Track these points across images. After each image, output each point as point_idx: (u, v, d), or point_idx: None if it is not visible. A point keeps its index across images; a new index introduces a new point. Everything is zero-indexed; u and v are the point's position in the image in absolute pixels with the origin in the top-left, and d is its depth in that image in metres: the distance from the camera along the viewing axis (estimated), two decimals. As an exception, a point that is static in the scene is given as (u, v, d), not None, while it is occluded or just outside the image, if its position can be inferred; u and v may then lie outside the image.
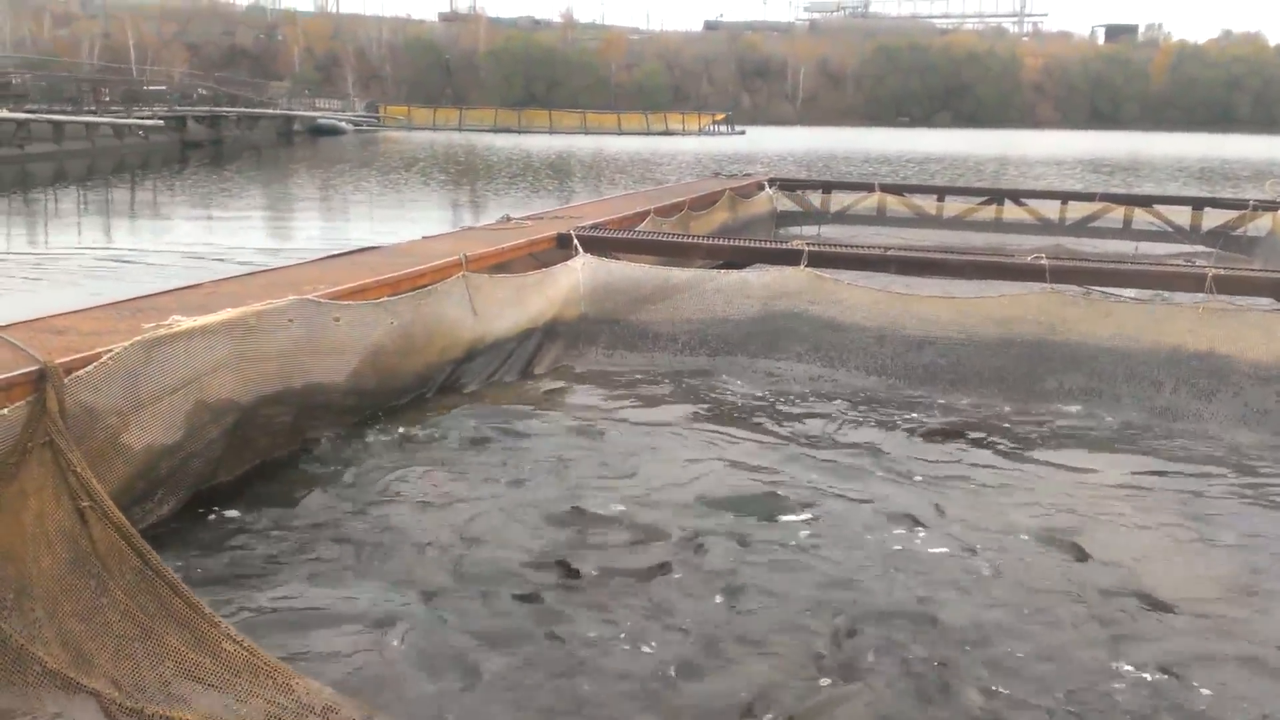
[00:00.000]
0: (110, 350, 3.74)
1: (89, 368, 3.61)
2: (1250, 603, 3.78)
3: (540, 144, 45.63)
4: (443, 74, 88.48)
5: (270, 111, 48.67)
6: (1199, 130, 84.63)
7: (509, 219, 8.29)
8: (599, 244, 7.35)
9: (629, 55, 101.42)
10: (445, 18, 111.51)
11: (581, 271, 7.07)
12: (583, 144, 46.07)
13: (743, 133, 65.47)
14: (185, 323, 4.14)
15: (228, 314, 4.33)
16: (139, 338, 3.86)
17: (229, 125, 41.75)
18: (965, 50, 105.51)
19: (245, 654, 2.38)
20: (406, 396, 5.66)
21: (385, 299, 5.31)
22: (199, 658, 2.54)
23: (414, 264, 5.94)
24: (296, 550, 3.95)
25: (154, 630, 2.66)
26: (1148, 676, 3.23)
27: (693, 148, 40.96)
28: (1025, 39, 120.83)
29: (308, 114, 53.76)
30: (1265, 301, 6.70)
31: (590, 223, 8.02)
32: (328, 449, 4.95)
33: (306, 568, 3.80)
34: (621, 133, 62.01)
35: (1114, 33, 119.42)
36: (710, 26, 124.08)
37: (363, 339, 5.10)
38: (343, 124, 55.05)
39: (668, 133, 63.42)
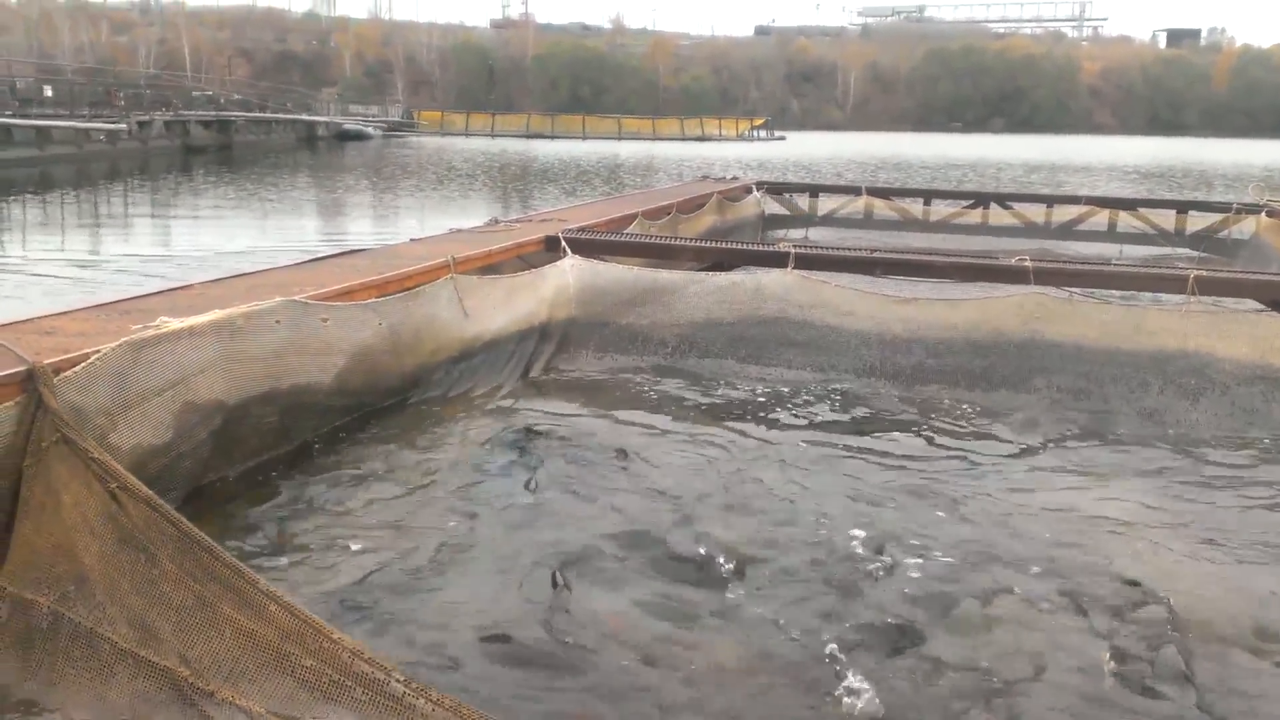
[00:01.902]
0: (98, 351, 3.74)
1: (77, 368, 3.61)
2: (1232, 587, 3.81)
3: (559, 150, 45.32)
4: (488, 80, 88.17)
5: (283, 116, 48.09)
6: (1263, 136, 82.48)
7: (497, 221, 8.31)
8: (587, 246, 7.37)
9: (677, 60, 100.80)
10: (496, 24, 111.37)
11: (570, 273, 7.08)
12: (603, 150, 45.74)
13: (783, 138, 64.97)
14: (173, 324, 4.14)
15: (215, 315, 4.33)
16: (126, 339, 3.86)
17: (240, 130, 41.12)
18: (1021, 54, 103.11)
19: (288, 614, 2.39)
20: (397, 398, 5.66)
21: (373, 300, 5.31)
22: (251, 624, 2.55)
23: (401, 266, 5.94)
24: (275, 551, 3.96)
25: (206, 597, 2.67)
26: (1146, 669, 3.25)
27: (717, 154, 40.47)
28: (1084, 43, 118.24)
29: (328, 119, 53.13)
30: (1248, 303, 6.77)
31: (578, 225, 8.04)
32: (320, 450, 4.96)
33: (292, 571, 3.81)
34: (657, 138, 61.22)
35: (1176, 37, 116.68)
36: (761, 31, 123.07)
37: (350, 340, 5.10)
38: (369, 129, 54.56)
39: (704, 138, 62.46)
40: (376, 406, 5.51)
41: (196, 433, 4.24)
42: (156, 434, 4.01)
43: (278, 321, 4.64)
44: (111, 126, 31.20)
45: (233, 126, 40.44)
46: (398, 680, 2.20)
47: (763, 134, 66.74)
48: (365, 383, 5.36)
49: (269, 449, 4.80)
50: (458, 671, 3.03)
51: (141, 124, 33.45)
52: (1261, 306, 6.67)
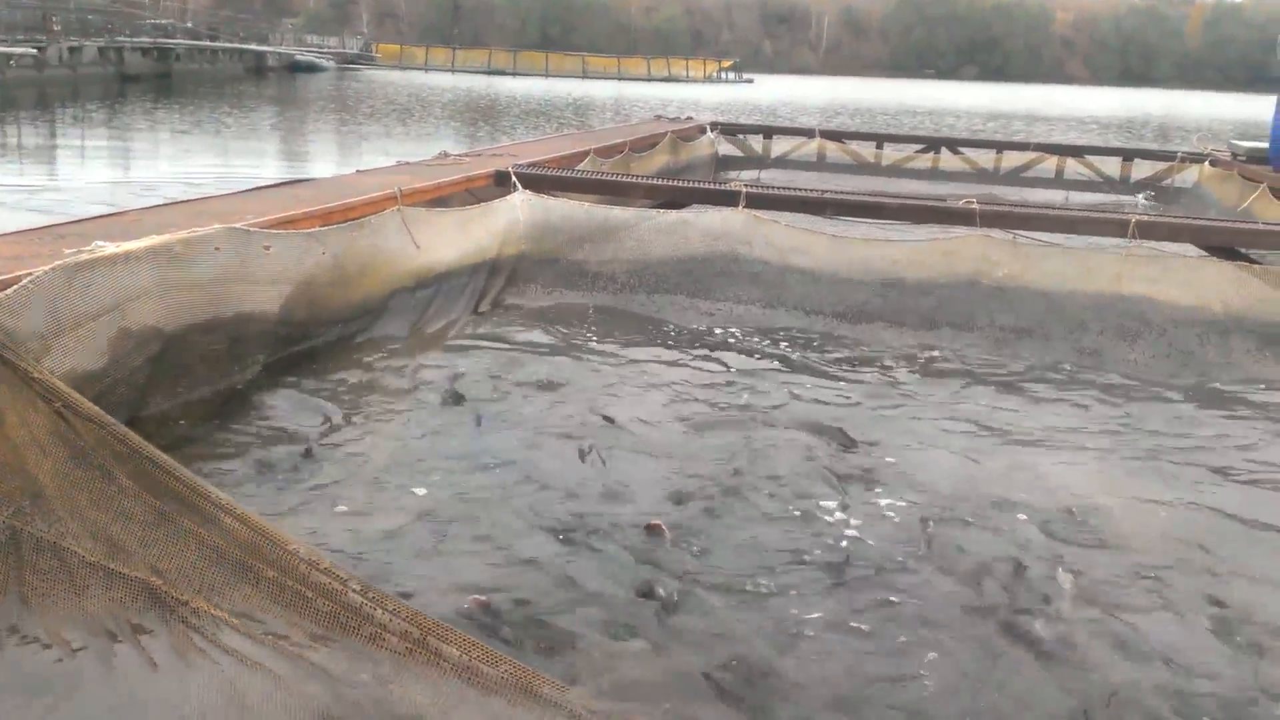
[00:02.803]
0: (31, 274, 3.64)
1: (8, 291, 3.51)
2: (1157, 520, 3.95)
3: (519, 88, 44.37)
4: (453, 15, 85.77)
5: (229, 45, 46.34)
6: (1234, 90, 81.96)
7: (446, 155, 8.18)
8: (538, 182, 7.29)
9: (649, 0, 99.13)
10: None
11: (521, 208, 7.01)
12: (562, 89, 44.85)
13: (750, 81, 64.06)
14: (108, 248, 4.04)
15: (152, 241, 4.23)
16: (60, 262, 3.75)
17: (182, 58, 39.40)
18: (994, 2, 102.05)
19: (244, 526, 2.36)
20: (350, 328, 5.59)
21: (317, 229, 5.22)
22: (212, 537, 2.52)
23: (347, 196, 5.84)
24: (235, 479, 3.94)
25: (166, 512, 2.63)
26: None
27: (675, 97, 39.61)
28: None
29: (279, 49, 51.27)
30: (1187, 248, 6.91)
31: (529, 161, 7.95)
32: (271, 382, 4.91)
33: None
34: (622, 78, 60.05)
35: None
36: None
37: (294, 269, 5.02)
38: (323, 62, 52.83)
39: (670, 79, 61.24)
40: (329, 338, 5.44)
41: (132, 359, 4.16)
42: (91, 360, 3.93)
43: (217, 249, 4.54)
44: (23, 51, 29.09)
45: (173, 55, 38.87)
46: (354, 590, 2.19)
47: (730, 76, 65.82)
48: (312, 313, 5.29)
49: (219, 378, 4.73)
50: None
51: (72, 50, 31.82)
52: (1199, 251, 6.81)
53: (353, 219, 5.57)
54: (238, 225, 4.73)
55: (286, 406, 4.70)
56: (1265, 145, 10.62)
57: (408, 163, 7.81)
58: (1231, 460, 4.68)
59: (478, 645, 2.03)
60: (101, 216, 5.12)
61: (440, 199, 6.67)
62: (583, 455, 4.04)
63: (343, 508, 3.73)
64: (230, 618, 2.42)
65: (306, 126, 22.40)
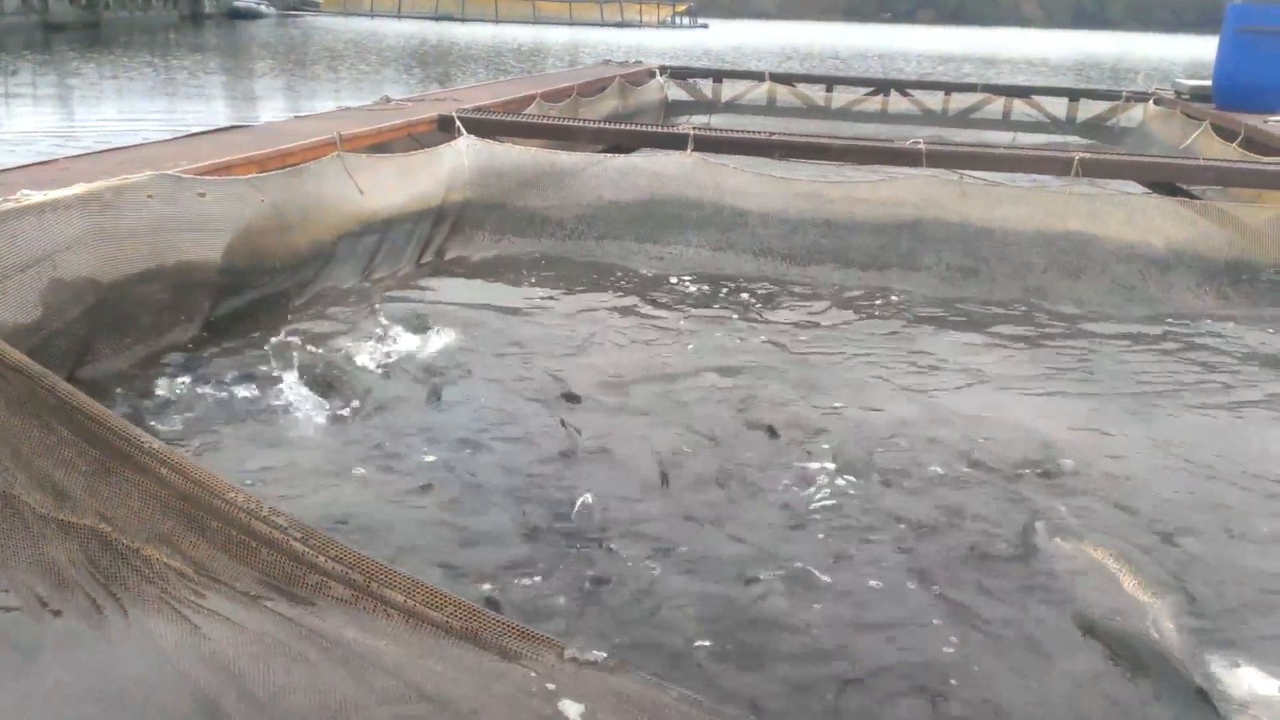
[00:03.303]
0: (-49, 224, 3.51)
1: (-72, 242, 3.39)
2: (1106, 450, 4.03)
3: (464, 34, 43.34)
4: None
5: None
6: (1186, 32, 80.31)
7: (388, 100, 8.00)
8: (483, 126, 7.16)
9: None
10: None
11: (466, 154, 6.89)
12: (510, 35, 43.87)
13: (705, 26, 63.05)
14: (35, 197, 3.92)
15: (80, 189, 4.11)
16: (-17, 211, 3.63)
17: (111, 5, 37.83)
18: None
19: (180, 476, 2.29)
20: (297, 275, 5.48)
21: (254, 176, 5.09)
22: (153, 486, 2.45)
23: (284, 142, 5.69)
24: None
25: (107, 464, 2.56)
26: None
27: (620, 42, 38.91)
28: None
29: None
30: (1129, 184, 6.99)
31: (473, 105, 7.80)
32: (218, 333, 4.82)
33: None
34: (574, 23, 58.76)
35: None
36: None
37: (233, 216, 4.90)
38: (263, 8, 51.03)
39: (623, 24, 60.06)
40: (278, 288, 5.33)
41: (67, 311, 4.05)
42: (23, 312, 3.82)
43: (150, 196, 4.42)
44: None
45: (102, 2, 37.42)
46: (295, 539, 2.15)
47: (685, 21, 64.83)
48: (255, 261, 5.17)
49: (168, 327, 4.63)
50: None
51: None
52: (1142, 188, 6.90)
53: (291, 165, 5.44)
54: (170, 172, 4.61)
55: (227, 366, 4.59)
56: (1208, 84, 10.73)
57: (348, 108, 7.64)
58: (1176, 393, 4.78)
59: (422, 588, 2.01)
60: (28, 165, 4.95)
61: (382, 145, 6.53)
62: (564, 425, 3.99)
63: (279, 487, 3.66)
64: (182, 566, 2.38)
65: (243, 74, 21.79)
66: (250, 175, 5.13)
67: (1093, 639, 2.84)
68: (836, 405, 4.43)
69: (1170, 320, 5.87)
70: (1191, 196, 6.71)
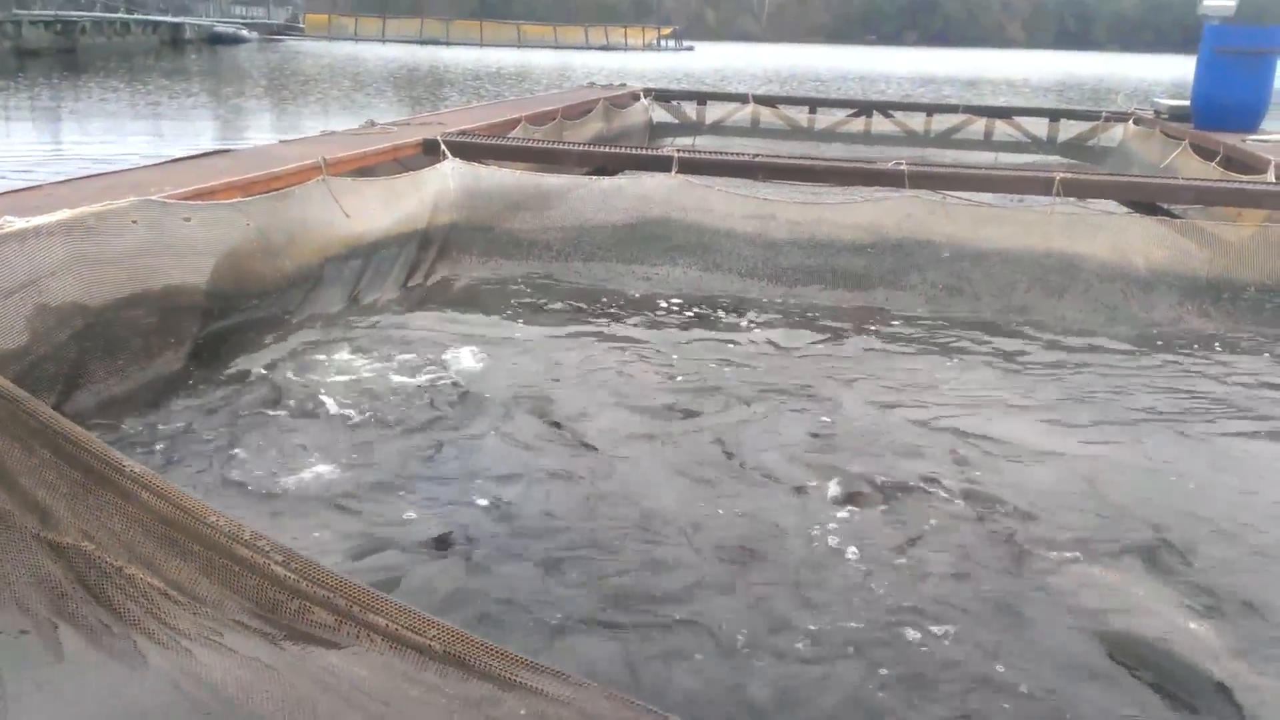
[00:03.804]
0: (-66, 251, 3.50)
1: (-89, 268, 3.38)
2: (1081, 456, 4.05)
3: (449, 57, 43.35)
4: None
5: (140, 17, 44.49)
6: (1170, 52, 78.67)
7: (373, 124, 8.01)
8: (468, 150, 7.18)
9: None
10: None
11: (451, 177, 6.90)
12: (495, 58, 43.94)
13: (691, 49, 63.29)
14: (18, 223, 3.91)
15: (64, 215, 4.10)
16: (-35, 238, 3.62)
17: (88, 31, 37.59)
18: None
19: (161, 500, 2.26)
20: (284, 300, 5.47)
21: (238, 200, 5.09)
22: (133, 509, 2.43)
23: (268, 166, 5.69)
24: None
25: (89, 485, 2.54)
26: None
27: (607, 65, 38.95)
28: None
29: (197, 20, 49.23)
30: (1110, 204, 7.05)
31: (458, 129, 7.83)
32: (208, 357, 4.82)
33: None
34: (559, 46, 59.00)
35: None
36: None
37: (218, 240, 4.90)
38: (244, 33, 51.00)
39: (608, 47, 60.20)
40: (265, 313, 5.32)
41: (55, 335, 4.04)
42: (8, 337, 3.81)
43: (134, 221, 4.42)
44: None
45: (78, 27, 37.19)
46: (277, 562, 2.13)
47: (670, 44, 65.14)
48: (241, 285, 5.17)
49: (157, 351, 4.63)
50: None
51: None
52: (1122, 207, 6.96)
53: (276, 189, 5.44)
54: (153, 197, 4.60)
55: (216, 392, 4.58)
56: (1188, 103, 10.84)
57: (333, 132, 7.65)
58: (1162, 408, 4.82)
59: (406, 612, 1.99)
60: (9, 191, 4.94)
61: (367, 168, 6.54)
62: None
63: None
64: (166, 588, 2.35)
65: (226, 99, 21.78)
66: (235, 199, 5.13)
67: (1106, 648, 2.86)
68: (828, 422, 4.45)
69: (1155, 339, 5.91)
70: (1172, 215, 6.77)
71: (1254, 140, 9.19)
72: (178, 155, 6.35)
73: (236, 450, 3.96)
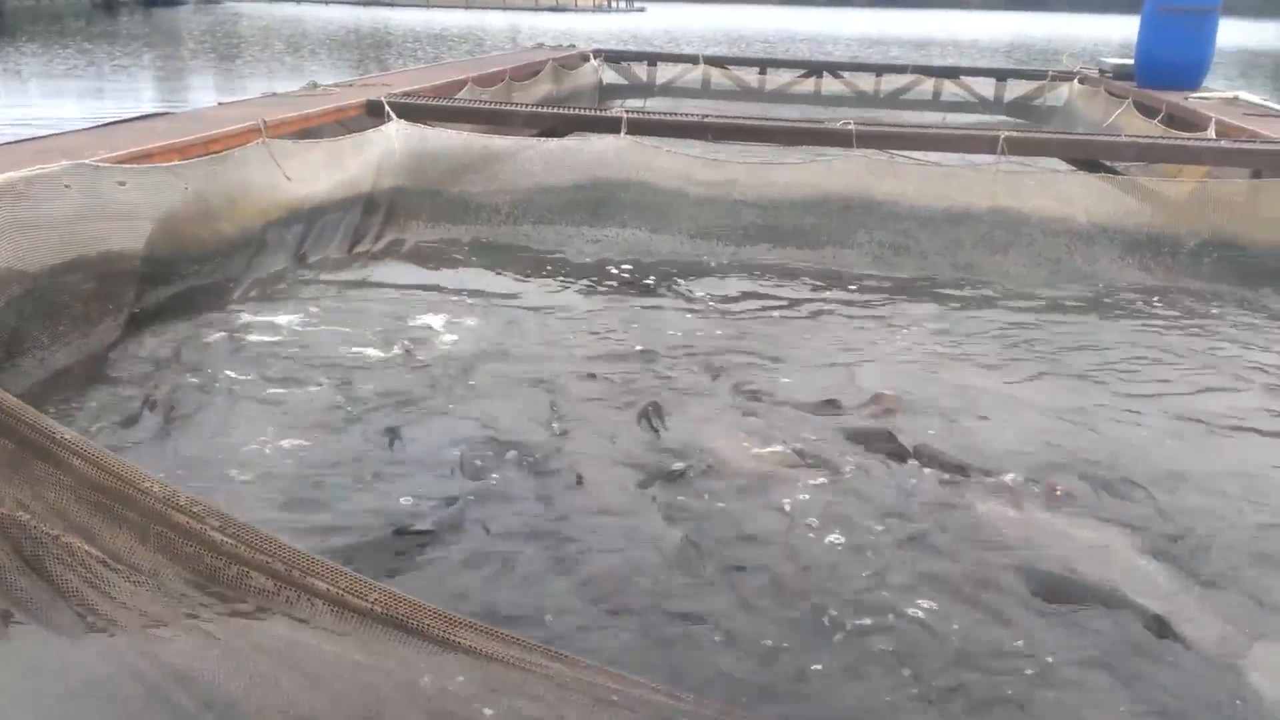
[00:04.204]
0: None
1: None
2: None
3: (394, 19, 42.36)
4: None
5: None
6: (1120, 13, 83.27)
7: (315, 86, 7.85)
8: (413, 111, 7.06)
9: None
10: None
11: (396, 139, 6.79)
12: (442, 20, 42.99)
13: (642, 9, 62.32)
14: (-57, 188, 3.79)
15: (-8, 179, 3.97)
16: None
17: None
18: None
19: (93, 467, 2.21)
20: (226, 264, 5.39)
21: (175, 164, 4.97)
22: (66, 477, 2.37)
23: (207, 129, 5.56)
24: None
25: (22, 454, 2.46)
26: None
27: (556, 26, 38.36)
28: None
29: None
30: (1055, 162, 7.12)
31: (403, 90, 7.69)
32: (147, 323, 4.74)
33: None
34: (507, 7, 57.83)
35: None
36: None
37: (155, 204, 4.79)
38: None
39: (559, 8, 59.06)
40: (207, 279, 5.24)
41: (-11, 302, 3.94)
42: (-63, 305, 3.70)
43: (66, 186, 4.30)
44: None
45: (3, -11, 35.90)
46: (214, 528, 2.10)
47: (622, 5, 64.19)
48: (179, 249, 5.08)
49: (98, 318, 4.55)
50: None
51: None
52: (1066, 165, 7.03)
53: (214, 152, 5.33)
54: (86, 161, 4.48)
55: (152, 358, 4.50)
56: (1131, 62, 10.95)
57: (274, 94, 7.48)
58: (1105, 360, 4.92)
59: (346, 575, 1.98)
60: (-64, 157, 4.77)
61: (309, 131, 6.42)
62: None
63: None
64: (105, 558, 2.31)
65: (163, 61, 21.20)
66: (172, 163, 5.01)
67: (1050, 589, 2.96)
68: (777, 379, 4.48)
69: (1098, 293, 6.01)
70: (1114, 172, 6.86)
71: (1195, 98, 9.33)
72: (114, 119, 6.18)
73: (177, 420, 3.89)
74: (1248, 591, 3.01)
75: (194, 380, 4.24)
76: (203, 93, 15.41)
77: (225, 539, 2.04)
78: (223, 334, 4.78)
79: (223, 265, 5.38)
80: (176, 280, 5.07)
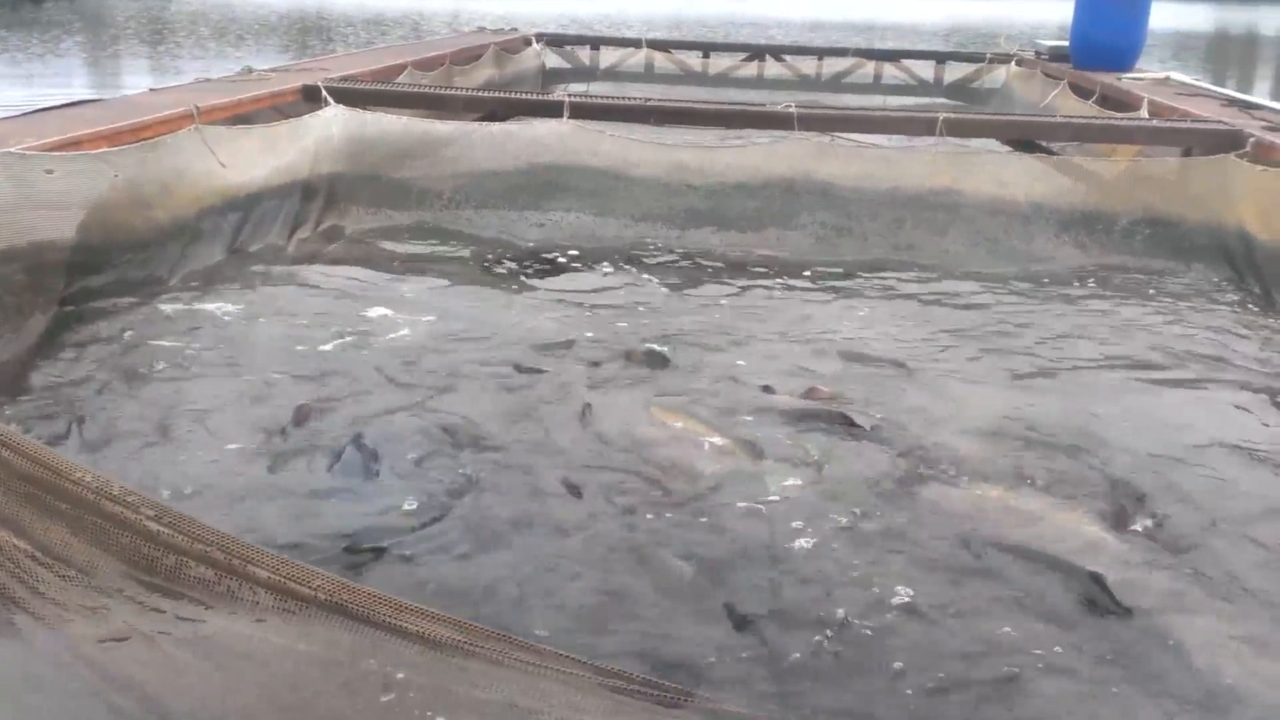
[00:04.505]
0: None
1: None
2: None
3: (329, 5, 41.49)
4: None
5: None
6: None
7: (250, 71, 7.69)
8: (351, 96, 6.95)
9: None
10: None
11: (334, 124, 6.68)
12: (378, 6, 42.21)
13: None
14: None
15: (-88, 167, 3.84)
16: None
17: None
18: None
19: (23, 459, 2.14)
20: (161, 253, 5.27)
21: (104, 151, 4.85)
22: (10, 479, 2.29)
23: (138, 116, 5.43)
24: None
25: None
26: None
27: (494, 10, 37.94)
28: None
29: None
30: (992, 143, 7.22)
31: (341, 74, 7.57)
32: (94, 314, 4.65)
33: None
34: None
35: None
36: None
37: (85, 192, 4.67)
38: None
39: None
40: (144, 269, 5.13)
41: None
42: None
43: (-9, 175, 4.17)
44: None
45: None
46: (149, 518, 2.06)
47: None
48: (111, 238, 4.96)
49: (29, 310, 4.42)
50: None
51: None
52: (1004, 146, 7.14)
53: (145, 139, 5.20)
54: (12, 149, 4.36)
55: (82, 353, 4.38)
56: (1066, 44, 11.13)
57: (207, 79, 7.32)
58: (1044, 335, 5.04)
59: (288, 563, 1.96)
60: None
61: (244, 116, 6.29)
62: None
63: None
64: (35, 551, 2.26)
65: (93, 47, 20.62)
66: (101, 150, 4.88)
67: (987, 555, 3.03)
68: (732, 366, 4.50)
69: (1035, 272, 6.12)
70: (1050, 153, 6.97)
71: (1129, 78, 9.51)
72: (41, 106, 6.00)
73: (109, 415, 3.79)
74: (1205, 559, 3.10)
75: (127, 377, 4.13)
76: (134, 79, 14.99)
77: (162, 529, 2.00)
78: (158, 325, 4.68)
79: (157, 254, 5.26)
80: (109, 269, 4.95)
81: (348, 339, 4.63)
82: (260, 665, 1.98)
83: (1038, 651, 2.64)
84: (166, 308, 4.90)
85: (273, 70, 7.84)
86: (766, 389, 4.21)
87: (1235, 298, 5.75)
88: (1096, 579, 2.92)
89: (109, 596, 2.09)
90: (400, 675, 1.91)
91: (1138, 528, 3.25)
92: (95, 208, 4.74)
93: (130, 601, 2.09)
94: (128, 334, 4.55)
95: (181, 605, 2.07)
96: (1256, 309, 5.56)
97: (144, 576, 2.06)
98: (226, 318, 4.82)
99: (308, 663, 1.97)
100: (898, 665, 2.57)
